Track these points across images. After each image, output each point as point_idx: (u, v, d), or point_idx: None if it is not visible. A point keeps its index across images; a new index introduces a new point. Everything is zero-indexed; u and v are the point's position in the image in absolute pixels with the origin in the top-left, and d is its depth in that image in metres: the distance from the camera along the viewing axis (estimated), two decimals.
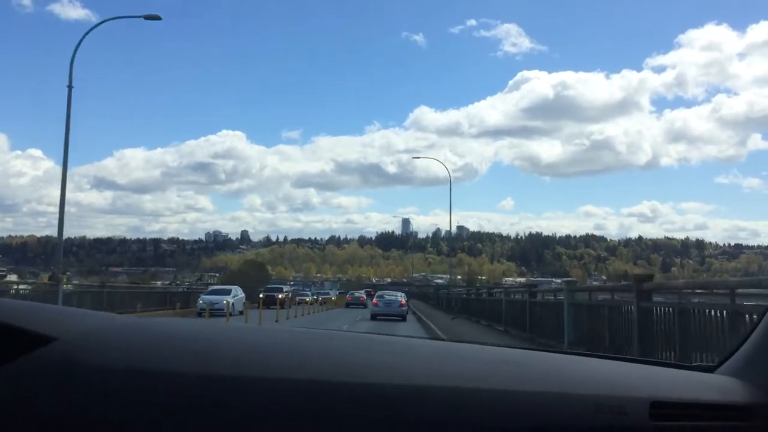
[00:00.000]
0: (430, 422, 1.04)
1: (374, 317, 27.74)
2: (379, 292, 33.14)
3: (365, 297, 47.89)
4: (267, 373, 1.05)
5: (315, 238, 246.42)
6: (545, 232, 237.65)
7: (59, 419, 0.96)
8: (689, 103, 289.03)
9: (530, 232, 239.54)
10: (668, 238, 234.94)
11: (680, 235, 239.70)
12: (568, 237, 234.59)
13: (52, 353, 1.01)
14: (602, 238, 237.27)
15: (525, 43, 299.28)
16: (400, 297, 29.81)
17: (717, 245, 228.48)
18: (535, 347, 1.44)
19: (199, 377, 1.02)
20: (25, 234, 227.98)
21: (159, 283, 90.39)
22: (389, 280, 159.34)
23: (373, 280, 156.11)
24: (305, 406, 1.01)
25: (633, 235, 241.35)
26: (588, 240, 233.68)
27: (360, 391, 1.04)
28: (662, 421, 1.11)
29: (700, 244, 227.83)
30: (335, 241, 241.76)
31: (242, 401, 1.00)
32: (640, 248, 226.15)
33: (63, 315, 1.17)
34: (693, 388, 1.21)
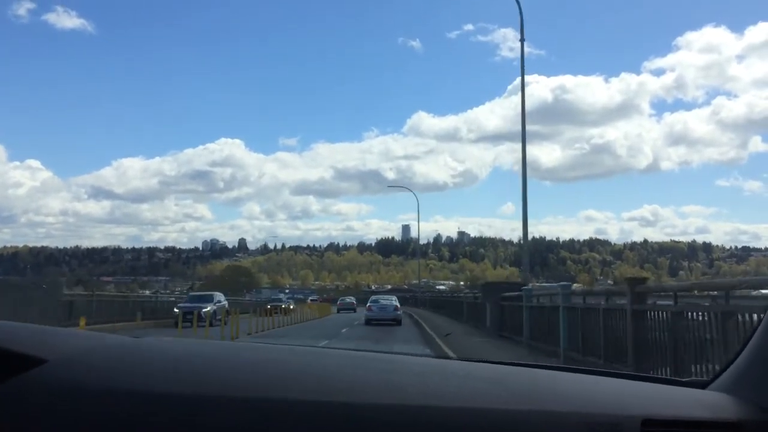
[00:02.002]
0: None
1: (369, 322, 27.50)
2: (373, 297, 33.20)
3: (355, 302, 53.73)
4: (259, 393, 1.04)
5: (314, 245, 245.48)
6: (547, 237, 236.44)
7: None
8: (689, 106, 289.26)
9: (533, 237, 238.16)
10: (674, 241, 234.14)
11: (682, 239, 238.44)
12: (572, 241, 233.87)
13: (42, 375, 1.01)
14: (606, 242, 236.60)
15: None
16: (395, 301, 29.87)
17: (724, 248, 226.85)
18: (530, 363, 1.48)
19: (191, 398, 1.02)
20: (20, 245, 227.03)
21: (147, 292, 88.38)
22: (389, 286, 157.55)
23: (373, 287, 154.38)
24: (299, 426, 1.01)
25: (634, 239, 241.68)
26: (592, 244, 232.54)
27: (351, 411, 1.03)
28: None
29: (707, 247, 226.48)
30: (334, 248, 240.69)
31: (234, 422, 0.99)
32: (646, 252, 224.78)
33: (53, 336, 1.17)
34: (685, 405, 1.21)
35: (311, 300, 65.18)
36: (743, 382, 1.28)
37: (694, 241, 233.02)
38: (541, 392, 1.18)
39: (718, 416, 1.18)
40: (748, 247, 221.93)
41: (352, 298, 59.66)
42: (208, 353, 1.24)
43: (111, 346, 1.18)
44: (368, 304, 30.20)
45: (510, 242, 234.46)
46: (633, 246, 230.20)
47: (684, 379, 1.42)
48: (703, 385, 1.36)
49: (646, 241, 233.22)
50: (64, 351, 1.08)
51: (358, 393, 1.08)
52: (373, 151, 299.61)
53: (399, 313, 28.30)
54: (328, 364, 1.24)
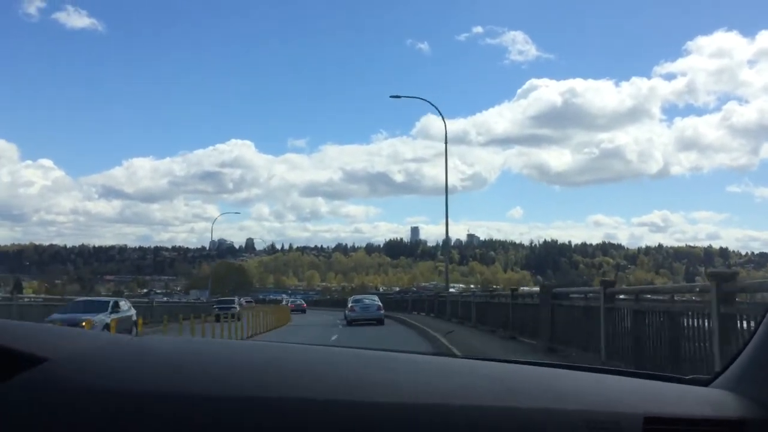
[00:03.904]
0: None
1: (351, 323, 27.54)
2: (356, 297, 33.47)
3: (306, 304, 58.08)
4: (260, 392, 1.05)
5: (321, 246, 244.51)
6: (559, 240, 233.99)
7: None
8: (700, 111, 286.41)
9: (545, 240, 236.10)
10: (690, 246, 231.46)
11: (693, 244, 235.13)
12: (584, 245, 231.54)
13: (42, 374, 1.01)
14: (620, 246, 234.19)
15: (532, 50, 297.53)
16: (377, 301, 30.25)
17: (740, 254, 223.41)
18: (531, 361, 1.50)
19: (191, 397, 1.02)
20: (26, 243, 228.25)
21: (144, 291, 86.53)
22: (397, 288, 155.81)
23: (380, 289, 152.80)
24: (300, 425, 1.01)
25: (644, 244, 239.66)
26: (605, 248, 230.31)
27: (353, 409, 1.04)
28: None
29: (724, 253, 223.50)
30: (342, 248, 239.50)
31: (234, 421, 1.00)
32: (661, 257, 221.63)
33: (53, 335, 1.18)
34: (687, 403, 1.22)
35: (246, 302, 55.49)
36: (746, 380, 1.28)
37: (710, 247, 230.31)
38: (543, 390, 1.18)
39: (721, 414, 1.18)
40: (765, 253, 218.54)
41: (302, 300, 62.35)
42: (208, 352, 1.25)
43: (111, 345, 1.19)
44: (350, 304, 30.03)
45: (521, 245, 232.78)
46: (647, 250, 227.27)
47: (686, 377, 1.42)
48: (705, 383, 1.36)
49: (660, 245, 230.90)
50: (64, 350, 1.08)
51: (360, 391, 1.08)
52: (382, 153, 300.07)
53: (381, 312, 28.50)
54: (329, 362, 1.24)
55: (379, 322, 27.55)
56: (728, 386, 1.30)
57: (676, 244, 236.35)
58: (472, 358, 1.42)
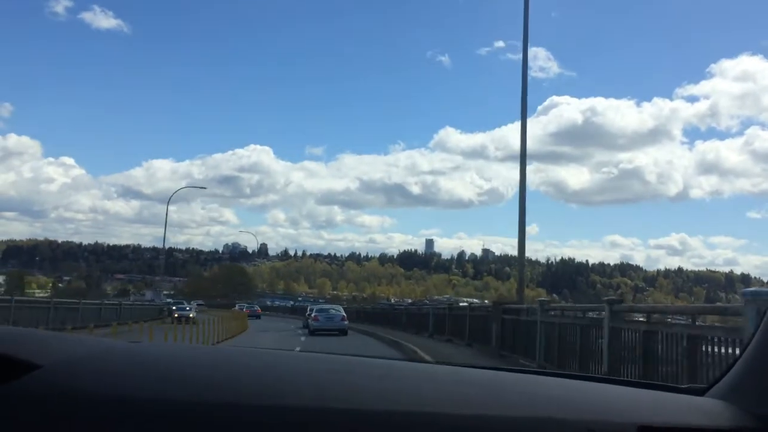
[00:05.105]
0: None
1: (314, 332, 27.54)
2: (318, 307, 33.55)
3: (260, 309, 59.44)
4: (255, 399, 1.05)
5: (335, 254, 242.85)
6: (576, 259, 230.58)
7: None
8: (722, 135, 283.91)
9: (561, 258, 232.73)
10: (711, 271, 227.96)
11: (713, 269, 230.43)
12: (602, 264, 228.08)
13: (37, 381, 1.01)
14: (639, 268, 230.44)
15: (554, 67, 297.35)
16: (341, 311, 30.66)
17: (761, 280, 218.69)
18: (524, 369, 1.48)
19: (186, 404, 1.02)
20: (41, 238, 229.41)
21: (148, 293, 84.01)
22: (410, 300, 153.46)
23: (392, 300, 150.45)
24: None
25: (660, 267, 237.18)
26: (624, 269, 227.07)
27: (345, 417, 1.04)
28: None
29: (745, 279, 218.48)
30: (355, 257, 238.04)
31: (229, 428, 1.00)
32: (681, 280, 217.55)
33: (48, 341, 1.17)
34: (681, 412, 1.21)
35: (198, 305, 53.39)
36: (740, 390, 1.28)
37: (731, 272, 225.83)
38: (536, 398, 1.18)
39: (715, 424, 1.18)
40: None
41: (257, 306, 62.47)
42: (203, 358, 1.25)
43: (106, 352, 1.19)
44: (314, 314, 29.81)
45: (537, 262, 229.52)
46: (667, 273, 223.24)
47: (681, 386, 1.42)
48: (700, 392, 1.36)
49: (680, 269, 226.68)
50: (59, 356, 1.08)
51: (352, 399, 1.08)
52: (399, 164, 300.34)
53: (345, 323, 28.85)
54: (322, 369, 1.24)
55: (342, 332, 27.82)
56: (723, 396, 1.30)
57: (694, 268, 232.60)
58: (465, 366, 1.43)
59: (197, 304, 54.63)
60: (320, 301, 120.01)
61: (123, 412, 0.99)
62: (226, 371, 1.16)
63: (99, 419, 0.98)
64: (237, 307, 56.30)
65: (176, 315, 30.21)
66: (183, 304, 48.05)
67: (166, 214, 50.90)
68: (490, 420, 1.08)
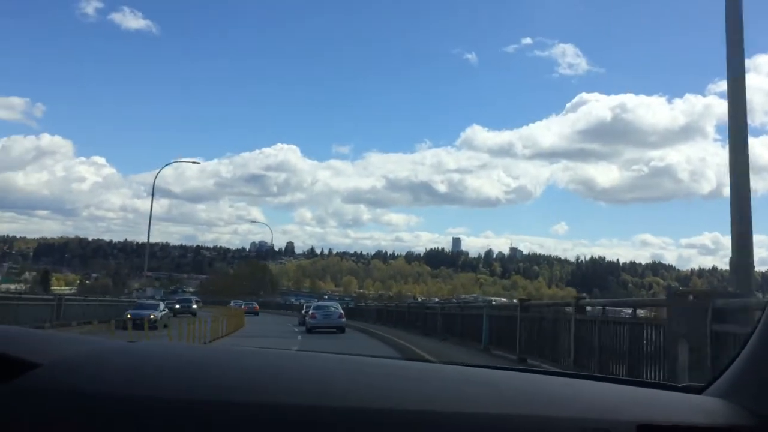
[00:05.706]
0: None
1: (311, 330, 27.43)
2: (316, 304, 33.21)
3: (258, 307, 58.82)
4: (255, 398, 1.05)
5: (361, 252, 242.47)
6: (606, 258, 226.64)
7: None
8: (757, 132, 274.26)
9: (592, 257, 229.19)
10: None
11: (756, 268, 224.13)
12: (633, 264, 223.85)
13: (36, 379, 1.01)
14: (671, 267, 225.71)
15: (582, 64, 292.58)
16: (339, 308, 30.52)
17: None
18: (525, 368, 1.47)
19: (185, 403, 1.02)
20: (72, 236, 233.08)
21: (148, 289, 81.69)
22: (437, 299, 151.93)
23: (419, 299, 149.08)
24: (295, 431, 1.02)
25: (692, 266, 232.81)
26: (656, 268, 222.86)
27: (348, 416, 1.04)
28: None
29: None
30: (381, 256, 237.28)
31: (229, 427, 1.00)
32: (716, 279, 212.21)
33: (47, 340, 1.18)
34: (680, 411, 1.22)
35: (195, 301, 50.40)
36: (739, 388, 1.29)
37: None
38: (536, 397, 1.19)
39: (714, 422, 1.19)
40: None
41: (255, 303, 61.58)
42: (203, 358, 1.25)
43: (105, 351, 1.19)
44: (311, 311, 29.65)
45: (566, 261, 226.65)
46: (701, 272, 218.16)
47: (680, 384, 1.43)
48: (698, 391, 1.37)
49: (715, 268, 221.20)
50: (58, 355, 1.09)
51: (354, 397, 1.09)
52: (425, 162, 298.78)
53: (343, 320, 28.74)
54: (325, 368, 1.25)
55: (340, 330, 27.74)
56: (721, 394, 1.30)
57: (728, 268, 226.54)
58: (466, 365, 1.44)
59: (195, 300, 52.23)
60: (345, 298, 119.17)
61: (121, 411, 0.99)
62: (225, 370, 1.16)
63: (97, 417, 0.98)
64: (233, 304, 55.97)
65: (128, 316, 24.86)
66: (189, 299, 48.70)
67: (152, 199, 49.31)
68: (488, 418, 1.09)
